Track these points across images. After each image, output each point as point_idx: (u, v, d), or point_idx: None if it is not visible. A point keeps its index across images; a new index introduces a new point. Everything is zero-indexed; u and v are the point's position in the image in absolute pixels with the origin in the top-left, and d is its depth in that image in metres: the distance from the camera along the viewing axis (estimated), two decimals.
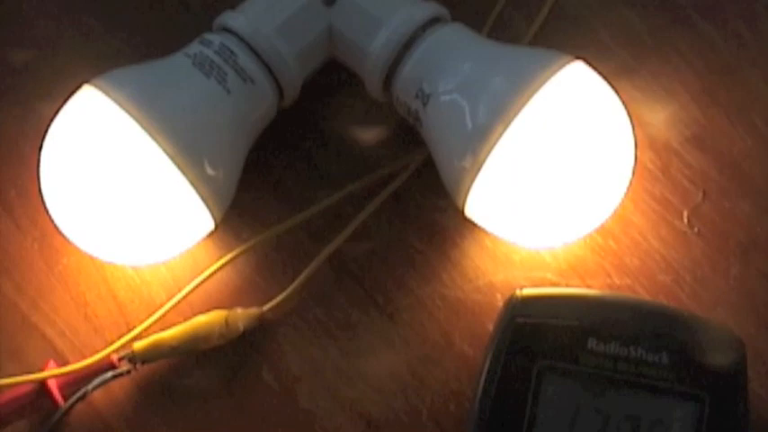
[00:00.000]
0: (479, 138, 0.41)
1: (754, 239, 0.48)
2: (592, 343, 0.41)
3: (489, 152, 0.41)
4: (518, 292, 0.42)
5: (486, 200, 0.42)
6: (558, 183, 0.42)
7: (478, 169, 0.41)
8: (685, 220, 0.49)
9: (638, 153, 0.46)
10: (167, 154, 0.41)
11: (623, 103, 0.44)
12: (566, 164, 0.41)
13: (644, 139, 0.50)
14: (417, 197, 0.49)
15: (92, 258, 0.45)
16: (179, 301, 0.46)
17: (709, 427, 0.41)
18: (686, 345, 0.42)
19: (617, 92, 0.43)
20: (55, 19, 0.53)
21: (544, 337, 0.41)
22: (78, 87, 0.43)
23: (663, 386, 0.41)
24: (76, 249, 0.44)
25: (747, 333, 0.47)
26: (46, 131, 0.43)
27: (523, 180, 0.41)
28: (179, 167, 0.41)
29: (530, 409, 0.41)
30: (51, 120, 0.43)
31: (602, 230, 0.48)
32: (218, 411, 0.46)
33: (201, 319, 0.46)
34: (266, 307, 0.47)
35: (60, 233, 0.44)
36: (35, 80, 0.52)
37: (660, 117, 0.51)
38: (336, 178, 0.50)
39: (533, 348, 0.41)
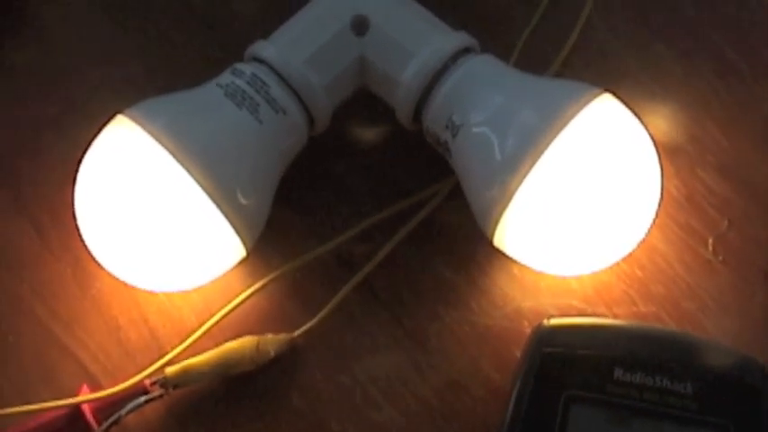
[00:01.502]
0: (509, 169, 0.42)
1: None
2: (618, 373, 0.41)
3: (519, 184, 0.41)
4: (545, 322, 0.43)
5: (514, 230, 0.43)
6: (587, 213, 0.42)
7: (508, 200, 0.42)
8: (710, 248, 0.50)
9: (664, 181, 0.47)
10: (201, 185, 0.42)
11: (650, 133, 0.44)
12: (594, 195, 0.42)
13: (669, 167, 0.50)
14: (447, 225, 0.50)
15: (125, 284, 0.45)
16: (210, 327, 0.47)
17: None
18: (710, 374, 0.42)
19: (643, 122, 0.44)
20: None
21: (571, 366, 0.42)
22: (112, 117, 0.44)
23: (687, 416, 0.41)
24: (109, 275, 0.45)
25: None
26: (81, 160, 0.44)
27: (552, 211, 0.42)
28: (212, 199, 0.42)
29: None
30: (86, 148, 0.44)
31: (628, 258, 0.48)
32: None
33: (232, 345, 0.47)
34: (297, 333, 0.48)
35: (93, 259, 0.44)
36: (75, 110, 0.53)
37: (686, 145, 0.51)
38: (366, 204, 0.50)
39: (561, 378, 0.42)
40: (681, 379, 0.41)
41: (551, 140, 0.41)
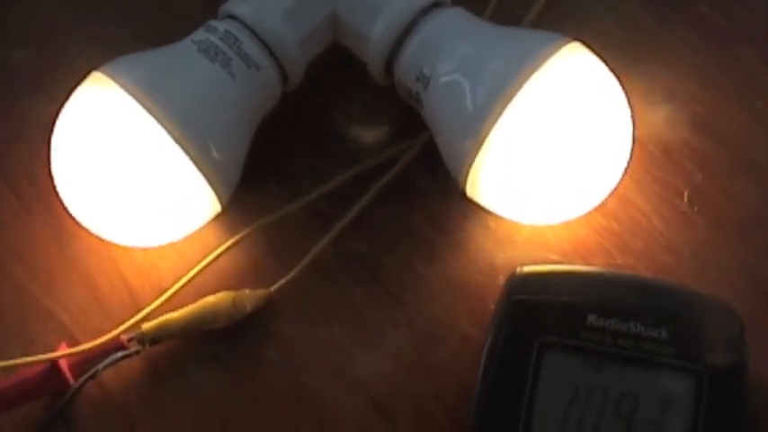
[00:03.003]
0: (479, 117, 0.42)
1: (754, 217, 0.49)
2: (592, 318, 0.41)
3: (489, 131, 0.42)
4: (519, 270, 0.43)
5: (486, 178, 0.43)
6: (558, 160, 0.42)
7: (479, 148, 0.42)
8: (686, 200, 0.49)
9: (639, 134, 0.47)
10: (173, 138, 0.42)
11: (622, 83, 0.44)
12: (565, 142, 0.42)
13: (644, 120, 0.50)
14: (421, 180, 0.50)
15: (102, 242, 0.46)
16: (187, 283, 0.47)
17: (709, 402, 0.41)
18: (686, 320, 0.42)
19: (616, 73, 0.44)
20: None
21: (544, 313, 0.42)
22: (88, 74, 0.44)
23: (662, 361, 0.41)
24: (87, 233, 0.45)
25: (750, 311, 0.47)
26: (56, 118, 0.44)
27: (523, 158, 0.42)
28: (185, 151, 0.42)
29: (530, 385, 0.41)
30: (61, 106, 0.44)
31: (605, 211, 0.48)
32: (225, 391, 0.47)
33: (209, 300, 0.47)
34: (273, 288, 0.48)
35: (71, 217, 0.45)
36: (41, 71, 0.53)
37: (662, 99, 0.51)
38: (342, 161, 0.51)
39: (534, 325, 0.42)
40: (656, 325, 0.41)
41: (521, 86, 0.41)
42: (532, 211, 0.45)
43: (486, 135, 0.42)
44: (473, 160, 0.43)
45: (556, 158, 0.42)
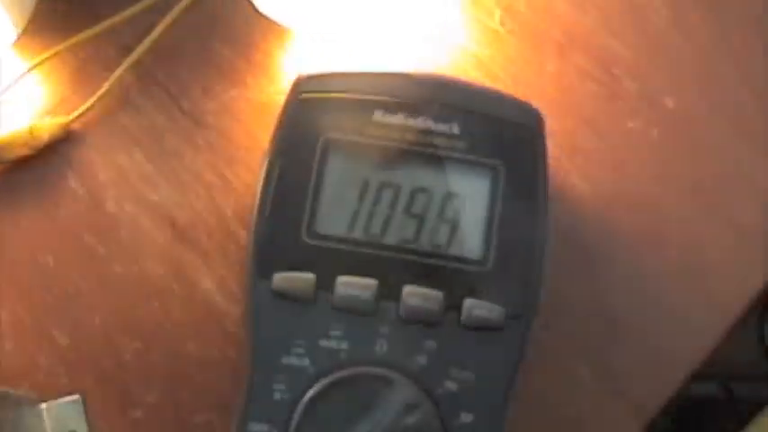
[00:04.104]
0: None
1: (570, 36, 0.48)
2: (378, 114, 0.40)
3: None
4: (303, 73, 0.41)
5: None
6: None
7: None
8: (497, 19, 0.48)
9: None
10: None
11: None
12: None
13: None
14: (222, 6, 0.49)
15: None
16: None
17: (505, 197, 0.40)
18: (478, 115, 0.41)
19: None
20: None
21: (329, 110, 0.40)
22: None
23: (454, 156, 0.40)
24: None
25: (566, 128, 0.47)
26: None
27: None
28: None
29: (314, 185, 0.40)
30: None
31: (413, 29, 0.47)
32: (26, 220, 0.46)
33: (5, 130, 0.46)
34: (71, 116, 0.47)
35: None
36: None
37: None
38: None
39: (317, 122, 0.40)
40: (446, 119, 0.40)
41: None
42: (318, 23, 0.44)
43: None
44: None
45: None
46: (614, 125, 0.47)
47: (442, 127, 0.40)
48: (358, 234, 0.40)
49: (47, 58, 0.47)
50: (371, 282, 0.39)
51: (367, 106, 0.41)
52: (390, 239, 0.40)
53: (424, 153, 0.40)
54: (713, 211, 0.46)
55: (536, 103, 0.42)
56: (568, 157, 0.46)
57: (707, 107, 0.47)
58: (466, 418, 0.39)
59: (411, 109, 0.41)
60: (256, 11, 0.44)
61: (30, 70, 0.47)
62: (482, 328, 0.39)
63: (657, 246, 0.46)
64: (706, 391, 0.91)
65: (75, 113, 0.47)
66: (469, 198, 0.40)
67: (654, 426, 0.45)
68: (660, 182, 0.46)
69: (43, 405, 0.43)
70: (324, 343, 0.39)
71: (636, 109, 0.47)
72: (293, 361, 0.39)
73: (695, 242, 0.46)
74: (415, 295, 0.39)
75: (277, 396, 0.38)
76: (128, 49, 0.48)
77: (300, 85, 0.41)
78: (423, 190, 0.40)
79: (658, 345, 0.45)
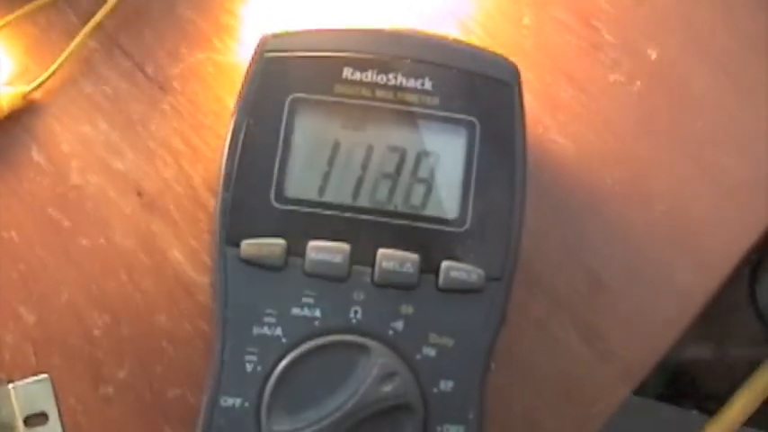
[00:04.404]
0: None
1: None
2: (347, 72, 0.39)
3: None
4: (269, 32, 0.40)
5: None
6: None
7: None
8: None
9: None
10: None
11: None
12: None
13: None
14: None
15: None
16: None
17: (481, 155, 0.39)
18: (452, 70, 0.39)
19: None
20: None
21: (295, 69, 0.39)
22: None
23: (427, 113, 0.39)
24: None
25: (544, 82, 0.45)
26: None
27: None
28: None
29: (282, 147, 0.38)
30: None
31: None
32: None
33: None
34: (32, 85, 0.45)
35: None
36: None
37: None
38: None
39: (284, 82, 0.39)
40: (418, 75, 0.39)
41: None
42: None
43: None
44: None
45: None
46: (595, 78, 0.45)
47: (413, 83, 0.39)
48: (329, 197, 0.38)
49: (3, 26, 0.45)
50: (344, 246, 0.37)
51: (335, 64, 0.39)
52: (363, 201, 0.38)
53: (396, 111, 0.39)
54: (700, 166, 0.45)
55: (513, 57, 0.40)
56: (548, 113, 0.45)
57: (691, 57, 0.46)
58: (446, 385, 0.37)
59: (381, 65, 0.39)
60: None
61: None
62: (460, 290, 0.37)
63: (642, 203, 0.44)
64: (698, 354, 0.90)
65: (36, 82, 0.45)
66: (444, 156, 0.39)
67: (645, 388, 0.44)
68: (644, 136, 0.45)
69: (10, 386, 0.42)
70: (296, 311, 0.37)
71: (617, 61, 0.46)
72: (264, 331, 0.37)
73: (681, 199, 0.44)
74: (389, 259, 0.37)
75: (249, 368, 0.37)
76: (89, 15, 0.46)
77: (265, 44, 0.39)
78: (395, 149, 0.39)
79: (645, 306, 0.43)
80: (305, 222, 0.38)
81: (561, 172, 0.45)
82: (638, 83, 0.45)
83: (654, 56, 0.46)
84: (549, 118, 0.45)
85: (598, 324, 0.43)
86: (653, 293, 0.43)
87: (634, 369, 0.43)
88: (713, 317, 0.44)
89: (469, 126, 0.39)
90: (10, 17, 0.46)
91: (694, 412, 0.76)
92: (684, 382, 0.85)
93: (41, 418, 0.42)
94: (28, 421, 0.42)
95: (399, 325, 0.37)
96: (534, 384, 0.43)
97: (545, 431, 0.42)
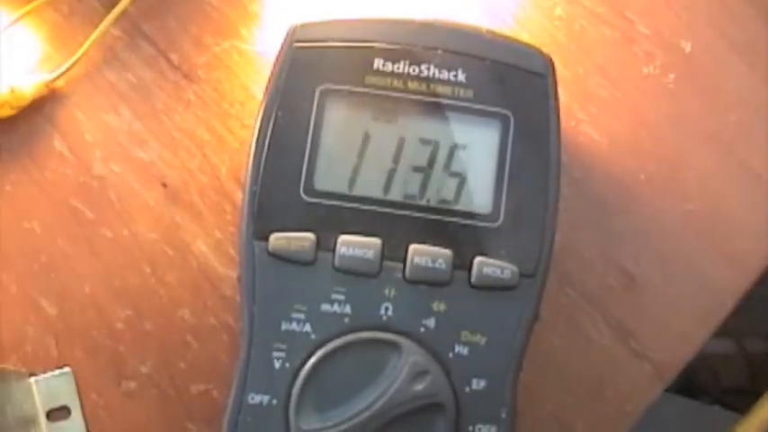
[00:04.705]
0: None
1: None
2: (378, 63, 0.38)
3: None
4: (298, 21, 0.39)
5: None
6: None
7: None
8: None
9: None
10: None
11: None
12: None
13: None
14: None
15: None
16: None
17: (515, 149, 0.38)
18: (485, 61, 0.38)
19: None
20: None
21: (325, 60, 0.38)
22: None
23: (460, 105, 0.38)
24: None
25: (577, 75, 0.45)
26: None
27: None
28: None
29: (312, 138, 0.37)
30: None
31: None
32: (10, 184, 0.44)
33: None
34: (55, 74, 0.44)
35: None
36: None
37: None
38: None
39: (313, 72, 0.38)
40: (451, 67, 0.38)
41: None
42: None
43: None
44: None
45: None
46: (628, 71, 0.44)
47: (446, 75, 0.38)
48: (359, 190, 0.37)
49: (27, 13, 0.44)
50: (375, 241, 0.36)
51: (366, 54, 0.38)
52: (394, 195, 0.37)
53: (429, 103, 0.38)
54: (733, 161, 0.44)
55: (546, 49, 0.39)
56: (581, 106, 0.44)
57: (725, 50, 0.45)
58: (478, 384, 0.36)
59: (413, 56, 0.38)
60: None
61: (9, 26, 0.44)
62: (493, 287, 0.36)
63: (675, 198, 0.43)
64: (718, 348, 0.89)
65: (59, 71, 0.45)
66: (477, 150, 0.38)
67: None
68: (677, 130, 0.44)
69: (32, 379, 0.41)
70: (325, 307, 0.36)
71: (651, 53, 0.45)
72: (293, 327, 0.36)
73: (714, 195, 0.43)
74: (421, 254, 0.36)
75: (277, 364, 0.36)
76: (113, 1, 0.45)
77: (295, 34, 0.38)
78: (427, 142, 0.38)
79: (678, 303, 0.42)
80: (335, 216, 0.37)
81: (593, 166, 0.44)
82: (672, 76, 0.45)
83: (688, 48, 0.45)
84: (581, 111, 0.44)
85: (630, 321, 0.42)
86: (685, 291, 0.43)
87: (666, 367, 0.42)
88: (733, 311, 0.43)
89: (504, 119, 0.38)
90: (32, 4, 0.45)
91: (716, 407, 0.75)
92: (704, 376, 0.84)
93: (64, 412, 0.41)
94: (50, 415, 0.41)
95: (431, 322, 0.36)
96: (565, 383, 0.42)
97: (575, 430, 0.41)
